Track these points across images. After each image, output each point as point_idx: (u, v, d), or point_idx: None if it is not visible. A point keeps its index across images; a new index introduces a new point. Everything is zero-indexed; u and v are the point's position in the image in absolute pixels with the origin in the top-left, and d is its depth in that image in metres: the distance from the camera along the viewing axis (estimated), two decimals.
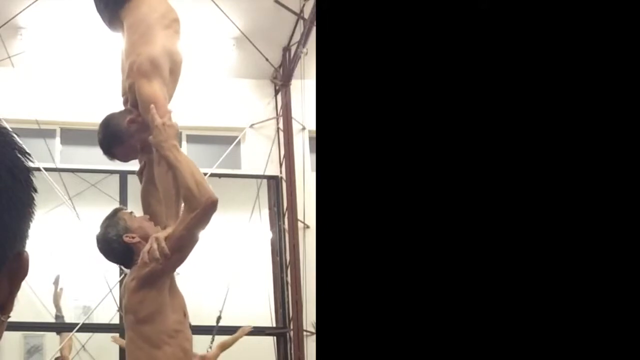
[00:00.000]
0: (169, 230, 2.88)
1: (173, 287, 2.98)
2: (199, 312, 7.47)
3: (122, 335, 8.16)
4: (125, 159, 3.22)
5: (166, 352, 2.84)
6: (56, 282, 8.10)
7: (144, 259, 2.82)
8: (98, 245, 3.06)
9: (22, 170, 0.88)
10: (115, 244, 2.98)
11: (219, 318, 7.11)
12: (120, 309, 3.12)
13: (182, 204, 2.95)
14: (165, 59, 3.10)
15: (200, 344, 7.45)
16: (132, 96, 3.10)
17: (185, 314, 2.99)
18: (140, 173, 3.28)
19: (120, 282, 8.21)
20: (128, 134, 3.08)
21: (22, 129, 8.20)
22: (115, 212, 3.07)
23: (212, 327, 7.64)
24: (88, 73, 8.17)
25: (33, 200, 0.90)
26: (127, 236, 2.96)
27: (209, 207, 2.83)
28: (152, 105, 2.93)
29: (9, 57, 7.83)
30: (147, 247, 2.84)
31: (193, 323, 7.39)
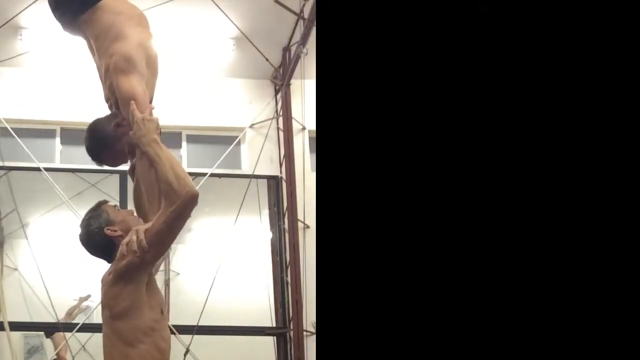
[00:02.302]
0: (149, 224, 2.86)
1: (151, 284, 2.94)
2: (199, 312, 7.47)
3: None
4: (114, 163, 3.20)
5: (141, 350, 2.79)
6: (82, 300, 8.04)
7: (122, 250, 2.80)
8: (80, 238, 3.04)
9: None
10: (96, 237, 2.96)
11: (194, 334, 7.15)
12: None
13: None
14: (140, 52, 3.07)
15: (200, 343, 7.45)
16: (115, 98, 3.08)
17: (162, 312, 2.95)
18: (131, 172, 3.27)
19: None
20: (115, 139, 3.06)
21: (22, 129, 8.20)
22: (98, 205, 3.05)
23: (212, 327, 7.64)
24: (88, 73, 8.15)
25: None
26: (108, 229, 2.94)
27: (189, 201, 2.79)
28: (132, 101, 2.92)
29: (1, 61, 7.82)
30: (126, 239, 2.82)
31: (192, 323, 7.40)
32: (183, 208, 2.78)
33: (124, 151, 3.11)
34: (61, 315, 8.21)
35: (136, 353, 2.79)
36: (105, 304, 2.87)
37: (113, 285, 2.84)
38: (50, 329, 8.28)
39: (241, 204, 8.03)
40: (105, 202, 3.09)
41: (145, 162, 2.95)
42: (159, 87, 3.40)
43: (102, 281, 2.94)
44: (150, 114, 2.94)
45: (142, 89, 3.01)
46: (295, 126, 8.75)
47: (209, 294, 7.39)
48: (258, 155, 8.66)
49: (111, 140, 3.06)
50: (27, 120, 8.28)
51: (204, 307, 7.43)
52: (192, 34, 7.93)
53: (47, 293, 8.04)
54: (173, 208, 2.77)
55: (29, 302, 8.38)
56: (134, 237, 2.79)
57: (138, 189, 3.18)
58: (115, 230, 2.93)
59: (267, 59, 8.46)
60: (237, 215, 7.91)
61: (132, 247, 2.77)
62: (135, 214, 3.10)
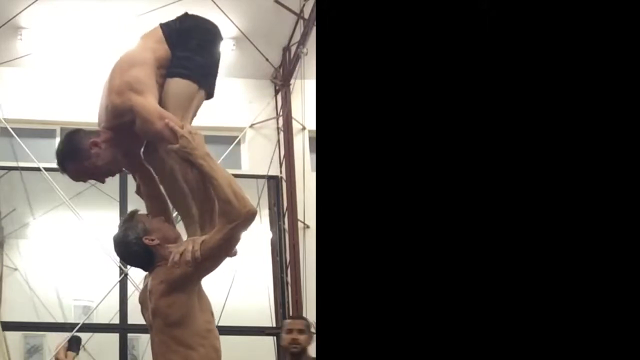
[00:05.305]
0: (205, 236, 2.88)
1: (200, 289, 2.99)
2: None
3: (122, 337, 8.20)
4: (74, 177, 3.14)
5: (200, 353, 2.86)
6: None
7: (175, 259, 2.81)
8: (116, 249, 3.03)
9: None
10: (135, 247, 2.96)
11: None
12: (143, 312, 3.08)
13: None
14: (153, 81, 2.98)
15: None
16: (108, 117, 3.00)
17: (212, 313, 3.01)
18: (138, 192, 3.26)
19: (120, 282, 8.24)
20: (85, 155, 3.00)
21: (22, 129, 8.20)
22: (132, 215, 3.06)
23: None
24: (88, 73, 8.16)
25: None
26: (146, 238, 2.94)
27: (249, 219, 2.84)
28: (166, 120, 2.85)
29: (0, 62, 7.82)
30: (181, 247, 2.84)
31: None
32: (243, 226, 2.84)
33: (89, 171, 3.06)
34: (61, 316, 8.22)
35: (197, 356, 2.84)
36: (158, 312, 2.89)
37: (166, 295, 2.86)
38: (49, 329, 8.29)
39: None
40: (137, 211, 3.10)
41: (196, 175, 2.94)
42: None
43: (150, 291, 2.93)
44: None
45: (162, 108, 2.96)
46: (295, 126, 8.75)
47: (225, 301, 7.38)
48: (258, 155, 8.67)
49: (81, 154, 3.01)
50: (27, 120, 8.28)
51: (220, 315, 7.43)
52: None
53: (48, 293, 8.05)
54: (232, 225, 2.81)
55: (29, 302, 8.38)
56: (190, 247, 2.80)
57: (150, 207, 3.15)
58: (152, 239, 2.94)
59: (267, 59, 8.47)
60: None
61: (187, 258, 2.79)
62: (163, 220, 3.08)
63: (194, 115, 3.22)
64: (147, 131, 2.93)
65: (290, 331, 5.14)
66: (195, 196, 3.00)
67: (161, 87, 3.04)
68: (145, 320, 3.04)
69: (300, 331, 5.15)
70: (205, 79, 3.13)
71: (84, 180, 3.19)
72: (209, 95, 3.21)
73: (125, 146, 3.07)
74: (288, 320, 5.49)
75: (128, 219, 3.04)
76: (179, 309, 2.85)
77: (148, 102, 2.91)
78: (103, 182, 3.15)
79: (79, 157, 3.01)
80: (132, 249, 2.97)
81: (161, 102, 2.99)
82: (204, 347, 2.87)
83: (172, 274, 2.83)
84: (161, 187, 3.17)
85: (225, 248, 2.87)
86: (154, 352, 2.95)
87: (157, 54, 3.08)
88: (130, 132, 2.96)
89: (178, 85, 3.06)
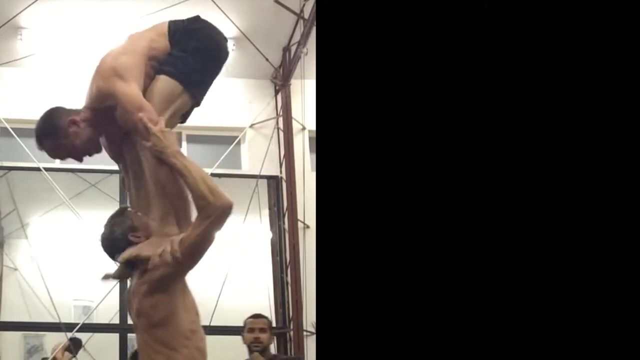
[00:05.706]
0: (183, 235, 2.85)
1: (184, 288, 2.96)
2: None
3: (122, 337, 8.20)
4: (52, 154, 3.15)
5: (184, 354, 2.83)
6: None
7: (155, 262, 2.79)
8: (102, 244, 3.02)
9: None
10: (120, 243, 2.94)
11: None
12: (130, 312, 3.06)
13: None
14: (139, 71, 2.99)
15: None
16: (92, 99, 3.00)
17: (197, 313, 2.98)
18: (123, 183, 3.26)
19: (120, 282, 8.24)
20: (63, 134, 3.00)
21: (22, 129, 8.20)
22: (122, 211, 3.05)
23: (212, 327, 7.65)
24: (88, 73, 8.17)
25: None
26: (132, 235, 2.92)
27: (226, 213, 2.81)
28: (141, 114, 2.85)
29: None
30: (160, 249, 2.81)
31: None
32: (220, 220, 2.80)
33: (66, 148, 3.06)
34: (61, 316, 8.21)
35: (180, 357, 2.82)
36: (142, 313, 2.87)
37: (149, 295, 2.84)
38: (49, 329, 8.29)
39: (249, 206, 8.02)
40: (126, 207, 3.08)
41: (167, 173, 2.92)
42: None
43: (133, 291, 2.92)
44: (163, 125, 2.90)
45: (144, 99, 2.95)
46: (295, 126, 8.76)
47: (218, 299, 7.39)
48: (258, 155, 8.68)
49: (58, 132, 3.02)
50: (27, 120, 8.28)
51: (213, 311, 7.44)
52: None
53: (48, 293, 8.06)
54: (210, 220, 2.78)
55: (28, 302, 8.38)
56: (168, 248, 2.78)
57: (137, 198, 3.15)
58: (138, 237, 2.93)
59: (267, 59, 8.48)
60: (246, 214, 7.91)
61: (166, 258, 2.77)
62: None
63: (182, 120, 3.20)
64: (126, 120, 2.93)
65: (252, 330, 5.14)
66: (167, 194, 2.98)
67: (149, 78, 3.04)
68: (132, 320, 3.03)
69: (262, 330, 5.14)
70: (194, 84, 3.10)
71: (62, 158, 3.19)
72: (196, 102, 3.18)
73: (105, 129, 3.07)
74: (249, 319, 5.43)
75: (117, 215, 3.03)
76: (162, 310, 2.82)
77: (130, 89, 2.91)
78: (81, 161, 3.14)
79: (57, 135, 3.01)
80: (117, 244, 2.95)
81: (144, 96, 2.99)
82: (187, 348, 2.84)
83: (153, 275, 2.81)
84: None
85: (204, 244, 2.84)
86: (141, 353, 2.94)
87: (153, 44, 3.08)
88: (112, 116, 2.97)
89: (163, 83, 3.06)
